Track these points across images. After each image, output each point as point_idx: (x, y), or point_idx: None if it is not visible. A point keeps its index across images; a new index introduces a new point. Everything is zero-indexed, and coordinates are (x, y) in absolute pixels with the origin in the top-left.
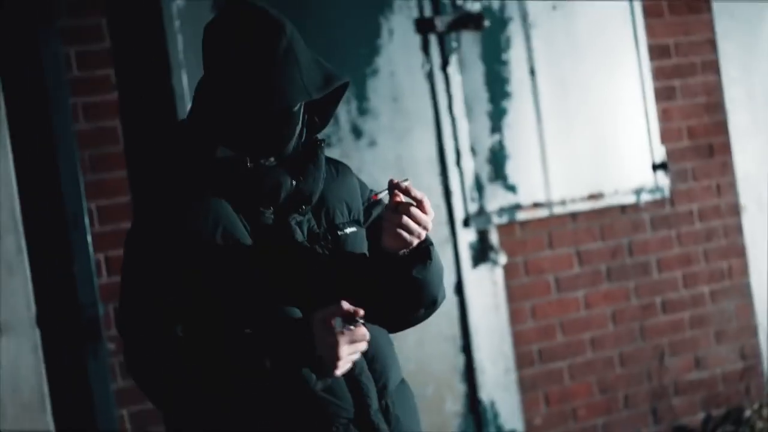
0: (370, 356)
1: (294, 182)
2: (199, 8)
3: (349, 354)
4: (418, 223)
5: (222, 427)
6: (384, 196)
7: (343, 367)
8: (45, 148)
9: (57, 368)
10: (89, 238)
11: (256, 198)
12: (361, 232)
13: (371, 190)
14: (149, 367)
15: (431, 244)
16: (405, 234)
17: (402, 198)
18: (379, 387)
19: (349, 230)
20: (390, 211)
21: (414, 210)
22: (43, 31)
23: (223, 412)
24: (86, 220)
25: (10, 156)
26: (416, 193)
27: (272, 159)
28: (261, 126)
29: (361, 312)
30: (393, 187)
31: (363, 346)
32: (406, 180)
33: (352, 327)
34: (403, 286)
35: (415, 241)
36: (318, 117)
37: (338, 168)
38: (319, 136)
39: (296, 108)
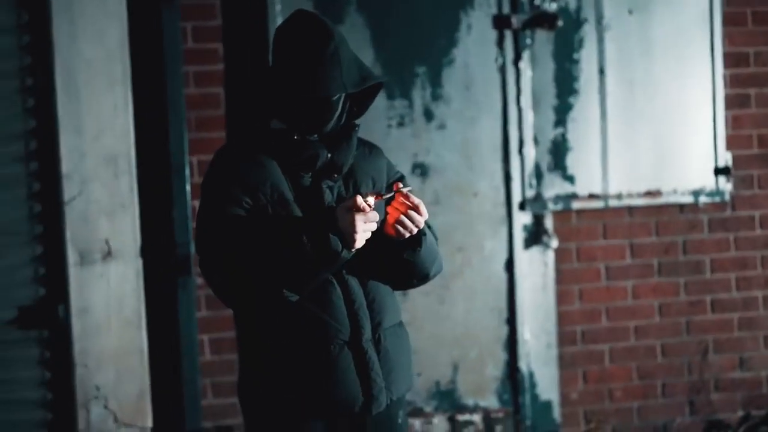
0: (370, 298)
1: (329, 155)
2: None
3: (363, 230)
4: (412, 220)
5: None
6: (388, 198)
7: (360, 239)
8: (159, 108)
9: (153, 294)
10: (188, 187)
11: (298, 163)
12: (380, 203)
13: (397, 171)
14: (219, 265)
15: (424, 234)
16: (400, 228)
17: (403, 201)
18: (375, 323)
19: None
20: (391, 209)
21: (410, 212)
22: (166, 9)
23: (274, 291)
24: (187, 172)
25: (131, 112)
26: (414, 199)
27: (315, 135)
28: (306, 109)
29: (368, 208)
30: (397, 191)
31: (374, 225)
32: (409, 188)
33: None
34: (397, 264)
35: (407, 235)
36: (357, 107)
37: (372, 150)
38: (356, 121)
39: (335, 98)
